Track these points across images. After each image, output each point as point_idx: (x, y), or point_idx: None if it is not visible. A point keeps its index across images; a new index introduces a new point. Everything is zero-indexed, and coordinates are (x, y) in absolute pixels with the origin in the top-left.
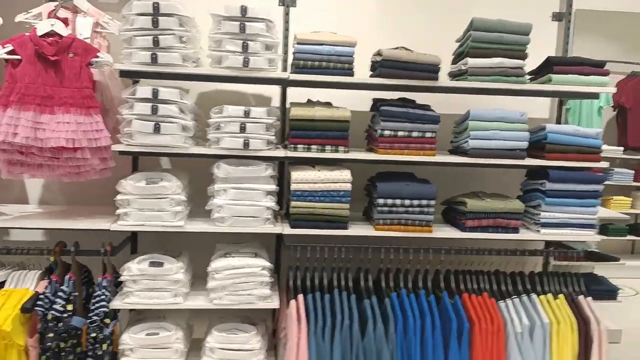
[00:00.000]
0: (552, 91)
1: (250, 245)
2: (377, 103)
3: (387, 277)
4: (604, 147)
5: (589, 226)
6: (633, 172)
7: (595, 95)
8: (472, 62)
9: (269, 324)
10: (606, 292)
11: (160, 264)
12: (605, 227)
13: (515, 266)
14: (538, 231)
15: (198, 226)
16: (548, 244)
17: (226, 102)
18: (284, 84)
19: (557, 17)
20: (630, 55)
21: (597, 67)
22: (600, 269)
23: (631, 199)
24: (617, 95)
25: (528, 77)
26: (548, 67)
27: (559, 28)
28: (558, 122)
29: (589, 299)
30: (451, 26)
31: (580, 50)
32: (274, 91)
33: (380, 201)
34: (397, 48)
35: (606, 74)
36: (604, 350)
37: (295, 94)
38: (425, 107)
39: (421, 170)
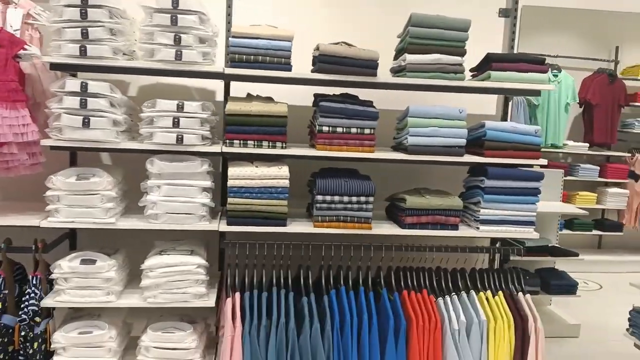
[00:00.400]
0: (491, 88)
1: (188, 243)
2: (317, 98)
3: (327, 275)
4: (570, 143)
5: (528, 223)
6: (598, 168)
7: (536, 92)
8: (410, 58)
9: (210, 322)
10: (566, 286)
11: (92, 262)
12: (570, 223)
13: (463, 263)
14: (477, 228)
15: (131, 223)
16: (494, 241)
17: (167, 96)
18: (220, 77)
19: (503, 13)
20: (597, 52)
21: (536, 63)
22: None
23: (596, 194)
24: (583, 91)
25: (471, 73)
26: (487, 63)
27: (505, 24)
28: (504, 119)
29: (528, 296)
30: (400, 21)
31: (542, 46)
32: (217, 85)
33: (319, 197)
34: (337, 43)
35: (545, 70)
36: (540, 346)
37: (240, 89)
38: (367, 104)
39: (369, 167)
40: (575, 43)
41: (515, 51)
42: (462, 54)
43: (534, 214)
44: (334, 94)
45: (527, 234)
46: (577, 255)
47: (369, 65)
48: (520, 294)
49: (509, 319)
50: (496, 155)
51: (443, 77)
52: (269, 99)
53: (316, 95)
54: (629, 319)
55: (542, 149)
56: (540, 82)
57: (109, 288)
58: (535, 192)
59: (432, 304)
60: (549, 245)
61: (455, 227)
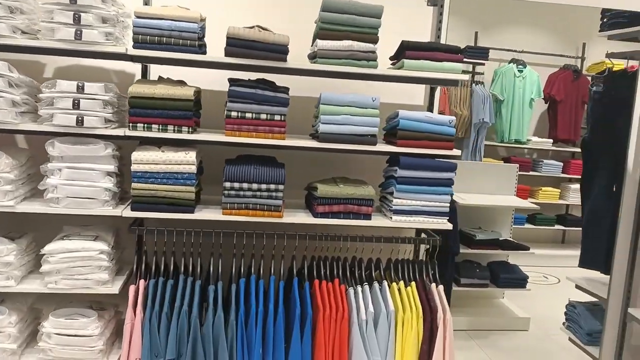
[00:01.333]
0: (405, 77)
1: (95, 229)
2: (231, 83)
3: (239, 263)
4: (535, 138)
5: (441, 214)
6: (562, 164)
7: (452, 82)
8: (321, 44)
9: (122, 309)
10: (516, 280)
11: None
12: (533, 218)
13: (390, 253)
14: (391, 218)
15: (31, 207)
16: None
17: (82, 78)
18: (124, 59)
19: (431, 1)
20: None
21: (452, 52)
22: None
23: (560, 190)
24: (548, 87)
25: (391, 62)
26: (402, 52)
27: (433, 13)
28: (429, 109)
29: (440, 287)
30: None
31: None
32: (136, 68)
33: (227, 184)
34: (251, 27)
35: (459, 60)
36: (448, 338)
37: (164, 73)
38: (280, 90)
39: (293, 155)
40: (543, 39)
41: (443, 41)
42: (375, 40)
43: (447, 204)
44: (249, 79)
45: (441, 224)
46: (527, 249)
47: (278, 50)
48: (433, 285)
49: (417, 309)
50: (409, 144)
51: (355, 64)
52: (181, 82)
53: (230, 80)
54: (565, 313)
55: (506, 144)
56: (454, 71)
57: (8, 273)
58: (449, 182)
59: (342, 294)
60: (500, 238)
61: (367, 216)
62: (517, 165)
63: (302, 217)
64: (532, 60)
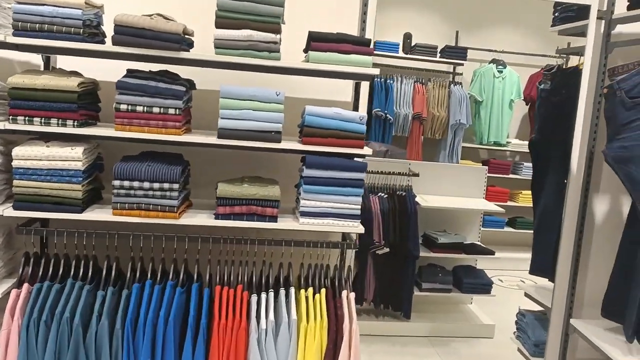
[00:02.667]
0: (310, 70)
1: None
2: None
3: (134, 267)
4: (515, 141)
5: (352, 216)
6: None
7: (362, 77)
8: (218, 33)
9: None
10: (480, 285)
11: None
12: (513, 221)
13: (317, 259)
14: (298, 220)
15: None
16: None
17: None
18: (4, 47)
19: None
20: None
21: (361, 45)
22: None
23: None
24: (529, 88)
25: (304, 54)
26: (309, 43)
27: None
28: (355, 106)
29: (352, 294)
30: None
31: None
32: (41, 60)
33: (116, 183)
34: (151, 15)
35: (370, 52)
36: (353, 347)
37: (67, 64)
38: (181, 82)
39: (212, 153)
40: (525, 39)
41: (368, 34)
42: (277, 30)
43: (358, 206)
44: (149, 71)
45: (352, 228)
46: (492, 253)
47: (171, 39)
48: (344, 292)
49: (322, 318)
50: (314, 142)
51: (255, 55)
52: (74, 73)
53: (128, 71)
54: (516, 322)
55: (487, 147)
56: (363, 64)
57: None
58: (359, 183)
59: (243, 301)
60: (464, 242)
61: (273, 218)
62: (486, 167)
63: (203, 219)
64: (514, 60)
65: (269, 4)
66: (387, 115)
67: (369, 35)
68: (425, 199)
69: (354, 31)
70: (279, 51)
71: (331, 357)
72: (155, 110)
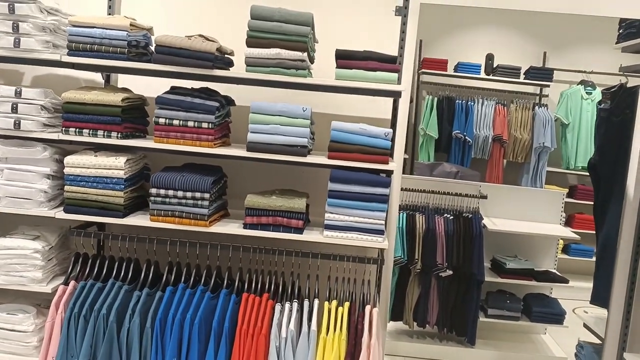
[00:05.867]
0: (337, 87)
1: (43, 229)
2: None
3: (170, 270)
4: None
5: (377, 232)
6: None
7: (389, 94)
8: (248, 52)
9: None
10: (551, 315)
11: None
12: (567, 247)
13: (354, 274)
14: (322, 233)
15: None
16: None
17: (56, 86)
18: (58, 65)
19: (398, 11)
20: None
21: (386, 62)
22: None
23: None
24: None
25: None
26: (336, 61)
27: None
28: (393, 123)
29: (375, 310)
30: None
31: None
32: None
33: (153, 191)
34: (191, 36)
35: (395, 70)
36: None
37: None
38: (217, 98)
39: (250, 166)
40: (614, 59)
41: (407, 52)
42: (304, 49)
43: (382, 221)
44: (192, 88)
45: (377, 243)
46: (566, 282)
47: (204, 58)
48: (368, 307)
49: (342, 331)
50: (340, 157)
51: (283, 73)
52: (125, 90)
53: (171, 88)
54: (575, 354)
55: (572, 172)
56: (388, 81)
57: None
58: (384, 198)
59: (267, 309)
60: (536, 269)
61: (299, 230)
62: (564, 192)
63: (231, 228)
64: (604, 81)
65: (296, 24)
66: (466, 137)
67: (408, 54)
68: (494, 222)
69: (395, 50)
70: (305, 69)
71: None
72: (190, 124)
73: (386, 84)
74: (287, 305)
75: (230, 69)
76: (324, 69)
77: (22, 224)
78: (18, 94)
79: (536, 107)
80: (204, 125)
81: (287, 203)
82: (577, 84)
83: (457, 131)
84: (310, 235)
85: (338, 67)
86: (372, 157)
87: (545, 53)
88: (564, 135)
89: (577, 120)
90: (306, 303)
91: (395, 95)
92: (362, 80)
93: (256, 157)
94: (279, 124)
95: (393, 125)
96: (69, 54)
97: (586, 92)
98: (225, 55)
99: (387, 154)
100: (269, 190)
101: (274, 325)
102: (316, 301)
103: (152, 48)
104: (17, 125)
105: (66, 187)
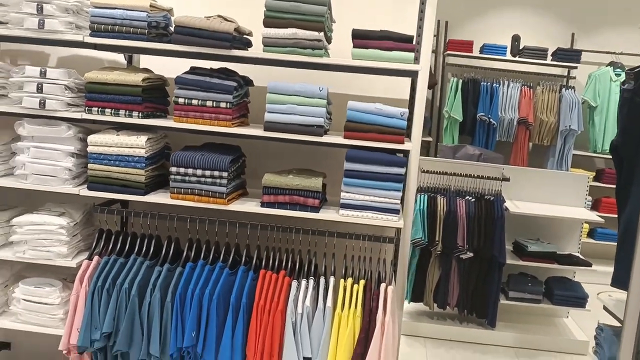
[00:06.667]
0: (353, 66)
1: (68, 206)
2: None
3: (190, 247)
4: None
5: (392, 211)
6: None
7: (405, 73)
8: (265, 32)
9: None
10: (573, 299)
11: None
12: (593, 232)
13: (371, 252)
14: (338, 212)
15: (5, 182)
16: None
17: (80, 67)
18: (81, 46)
19: None
20: None
21: (402, 41)
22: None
23: None
24: None
25: None
26: (353, 40)
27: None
28: (411, 103)
29: (391, 287)
30: None
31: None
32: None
33: (173, 169)
34: (210, 17)
35: (411, 49)
36: (385, 338)
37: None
38: (235, 78)
39: (269, 146)
40: None
41: (426, 32)
42: (320, 29)
43: (398, 201)
44: (210, 68)
45: (392, 222)
46: (589, 265)
47: (223, 38)
48: (383, 285)
49: (357, 308)
50: (356, 137)
51: (300, 53)
52: (145, 71)
53: (191, 68)
54: (595, 337)
55: (600, 155)
56: (404, 61)
57: None
58: (399, 178)
59: (284, 286)
60: (558, 252)
61: (315, 209)
62: (589, 175)
63: (248, 206)
64: (634, 63)
65: (313, 3)
66: (491, 119)
67: (427, 33)
68: (517, 205)
69: (414, 30)
70: (322, 48)
71: (363, 345)
72: (209, 103)
73: (403, 63)
74: (303, 282)
75: (248, 49)
76: (341, 49)
77: (48, 201)
78: (43, 74)
79: (563, 89)
80: (222, 105)
81: (303, 182)
82: (606, 66)
83: (482, 114)
84: (327, 214)
85: (354, 46)
86: (388, 137)
87: (573, 34)
88: (591, 117)
89: (605, 103)
90: (322, 280)
91: (412, 75)
92: (378, 59)
93: (273, 137)
94: (296, 103)
95: (411, 105)
96: (91, 35)
97: (615, 74)
98: (243, 36)
99: (403, 133)
100: (287, 169)
101: (290, 301)
102: (332, 278)
103: (172, 29)
104: (42, 104)
105: (89, 165)
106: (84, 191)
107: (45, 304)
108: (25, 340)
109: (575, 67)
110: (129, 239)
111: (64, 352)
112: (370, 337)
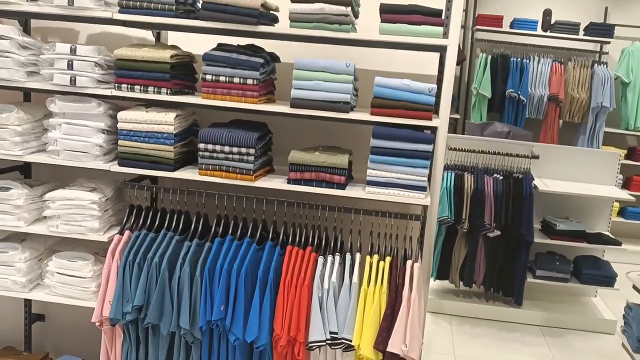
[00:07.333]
0: (380, 41)
1: (99, 181)
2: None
3: (218, 222)
4: None
5: (419, 188)
6: None
7: (434, 48)
8: (292, 7)
9: None
10: (602, 278)
11: (6, 189)
12: (623, 210)
13: (397, 229)
14: (364, 189)
15: (37, 157)
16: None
17: (108, 44)
18: (109, 23)
19: None
20: None
21: (431, 15)
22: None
23: None
24: None
25: None
26: (380, 15)
27: None
28: (439, 79)
29: (417, 264)
30: None
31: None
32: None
33: (202, 146)
34: None
35: (441, 23)
36: (411, 315)
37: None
38: (262, 55)
39: (298, 123)
40: None
41: (456, 6)
42: (347, 3)
43: (425, 178)
44: (238, 45)
45: (419, 199)
46: (619, 244)
47: (249, 14)
48: (409, 262)
49: (383, 284)
50: (382, 113)
51: (326, 28)
52: (173, 47)
53: (218, 45)
54: (623, 316)
55: (632, 132)
56: (432, 35)
57: (19, 214)
58: (426, 155)
59: (310, 261)
60: (587, 231)
61: (341, 186)
62: (621, 153)
63: (276, 183)
64: None
65: None
66: (521, 96)
67: (456, 7)
68: (545, 184)
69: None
70: (349, 23)
71: (389, 321)
72: (236, 80)
73: (431, 38)
74: (329, 258)
75: (274, 25)
76: (369, 25)
77: (80, 176)
78: (73, 51)
79: (595, 65)
80: (249, 81)
81: (329, 159)
82: None
83: (511, 90)
84: (353, 191)
85: (382, 21)
86: (415, 113)
87: (606, 8)
88: (624, 94)
89: (639, 79)
90: (348, 256)
91: (441, 50)
92: (406, 34)
93: (300, 114)
94: (323, 80)
95: (439, 81)
96: (120, 12)
97: None
98: (270, 12)
99: (430, 110)
100: (313, 146)
101: (316, 277)
102: (358, 255)
103: (199, 5)
104: (73, 81)
105: (119, 142)
106: (114, 167)
107: (78, 277)
108: (58, 313)
109: (608, 42)
110: (159, 214)
111: (97, 324)
112: (396, 313)
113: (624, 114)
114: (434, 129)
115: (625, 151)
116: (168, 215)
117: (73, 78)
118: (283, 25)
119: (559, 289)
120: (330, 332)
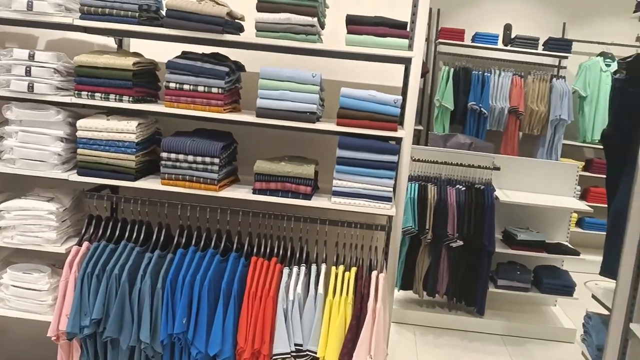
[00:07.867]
0: (346, 52)
1: (57, 191)
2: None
3: (181, 233)
4: None
5: (385, 199)
6: None
7: (399, 60)
8: (258, 16)
9: None
10: (561, 287)
11: None
12: (581, 221)
13: (362, 240)
14: (330, 199)
15: None
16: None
17: (69, 50)
18: (70, 29)
19: None
20: None
21: (397, 28)
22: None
23: None
24: None
25: None
26: (346, 26)
27: None
28: (404, 91)
29: (382, 275)
30: None
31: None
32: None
33: (164, 155)
34: (202, 0)
35: (406, 36)
36: (376, 325)
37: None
38: (226, 64)
39: (264, 132)
40: (637, 30)
41: (420, 19)
42: (314, 14)
43: (390, 189)
44: (202, 53)
45: (384, 210)
46: (577, 254)
47: (214, 22)
48: (374, 272)
49: (348, 295)
50: (349, 123)
51: (292, 38)
52: (135, 55)
53: (182, 53)
54: (583, 325)
55: (589, 145)
56: (398, 47)
57: None
58: (392, 165)
59: (275, 273)
60: (547, 241)
61: (307, 196)
62: (578, 165)
63: (240, 193)
64: (626, 53)
65: None
66: (482, 108)
67: (421, 20)
68: (506, 194)
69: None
70: (315, 34)
71: (354, 332)
72: (200, 88)
73: (397, 50)
74: (295, 269)
75: (240, 34)
76: (334, 35)
77: (37, 186)
78: (31, 57)
79: (554, 79)
80: (214, 90)
81: (295, 169)
82: (597, 56)
83: (473, 102)
84: (319, 202)
85: (348, 32)
86: (381, 124)
87: (564, 24)
88: (581, 108)
89: (596, 93)
90: (314, 267)
91: (406, 62)
92: (372, 46)
93: (265, 123)
94: (289, 89)
95: (404, 93)
96: (81, 18)
97: (605, 64)
98: (236, 20)
99: (396, 121)
100: (279, 156)
101: (281, 288)
102: (323, 266)
103: (163, 12)
104: (30, 88)
105: (79, 150)
106: (73, 176)
107: (34, 289)
108: (13, 327)
109: (566, 57)
110: (119, 224)
111: (53, 338)
112: (362, 323)
113: (581, 126)
114: (399, 140)
115: (583, 163)
116: (129, 225)
117: (31, 85)
118: (249, 34)
119: (520, 299)
120: (295, 344)
